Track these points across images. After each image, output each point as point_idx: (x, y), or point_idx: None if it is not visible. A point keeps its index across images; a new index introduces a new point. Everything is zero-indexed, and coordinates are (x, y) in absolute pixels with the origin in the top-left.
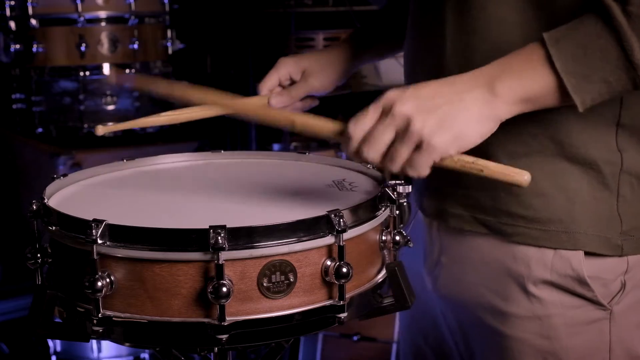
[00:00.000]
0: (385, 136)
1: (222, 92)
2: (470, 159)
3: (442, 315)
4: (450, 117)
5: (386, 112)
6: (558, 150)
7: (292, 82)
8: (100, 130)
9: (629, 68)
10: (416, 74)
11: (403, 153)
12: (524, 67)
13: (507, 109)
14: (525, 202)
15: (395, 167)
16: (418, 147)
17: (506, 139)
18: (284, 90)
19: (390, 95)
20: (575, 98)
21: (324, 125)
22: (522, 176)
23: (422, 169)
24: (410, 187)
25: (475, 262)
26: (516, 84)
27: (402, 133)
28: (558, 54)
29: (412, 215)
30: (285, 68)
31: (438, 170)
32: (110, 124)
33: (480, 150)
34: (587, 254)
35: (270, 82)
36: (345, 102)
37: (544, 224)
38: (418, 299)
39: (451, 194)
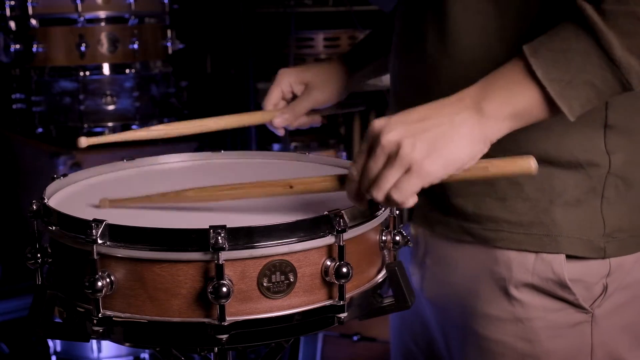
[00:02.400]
0: (378, 167)
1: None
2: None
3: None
4: (440, 140)
5: (375, 144)
6: (543, 154)
7: (294, 96)
8: (84, 142)
9: (612, 67)
10: (400, 91)
11: (390, 177)
12: (508, 83)
13: (496, 128)
14: (510, 207)
15: (380, 193)
16: (408, 171)
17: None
18: (287, 108)
19: (376, 125)
20: (561, 105)
21: (323, 180)
22: (528, 161)
23: (409, 194)
24: None
25: (458, 264)
26: (502, 101)
27: (392, 158)
28: (538, 63)
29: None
30: (287, 79)
31: None
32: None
33: None
34: (569, 256)
35: (273, 97)
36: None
37: (527, 227)
38: None
39: (436, 202)
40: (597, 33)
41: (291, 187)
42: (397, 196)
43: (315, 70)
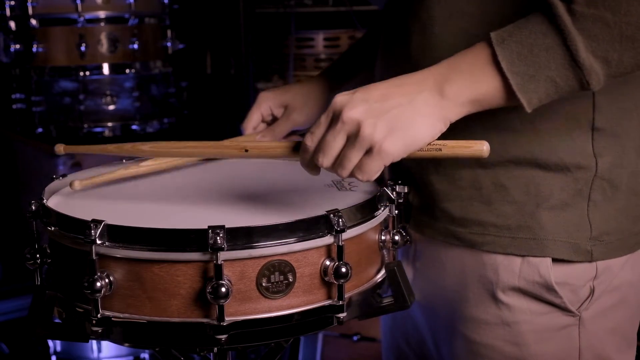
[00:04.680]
0: (337, 142)
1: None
2: None
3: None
4: (401, 120)
5: (336, 118)
6: (529, 157)
7: (274, 118)
8: (77, 185)
9: (575, 67)
10: None
11: (353, 158)
12: (471, 68)
13: (455, 111)
14: (496, 210)
15: (345, 172)
16: (369, 151)
17: None
18: (267, 130)
19: (338, 100)
20: (521, 97)
21: (277, 146)
22: (481, 145)
23: (372, 173)
24: (407, 187)
25: (446, 267)
26: (464, 85)
27: (353, 138)
28: (503, 53)
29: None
30: (266, 103)
31: (413, 183)
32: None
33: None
34: (555, 260)
35: (253, 120)
36: None
37: (514, 231)
38: None
39: (425, 206)
40: (565, 34)
41: (246, 150)
42: (361, 176)
43: (294, 91)
